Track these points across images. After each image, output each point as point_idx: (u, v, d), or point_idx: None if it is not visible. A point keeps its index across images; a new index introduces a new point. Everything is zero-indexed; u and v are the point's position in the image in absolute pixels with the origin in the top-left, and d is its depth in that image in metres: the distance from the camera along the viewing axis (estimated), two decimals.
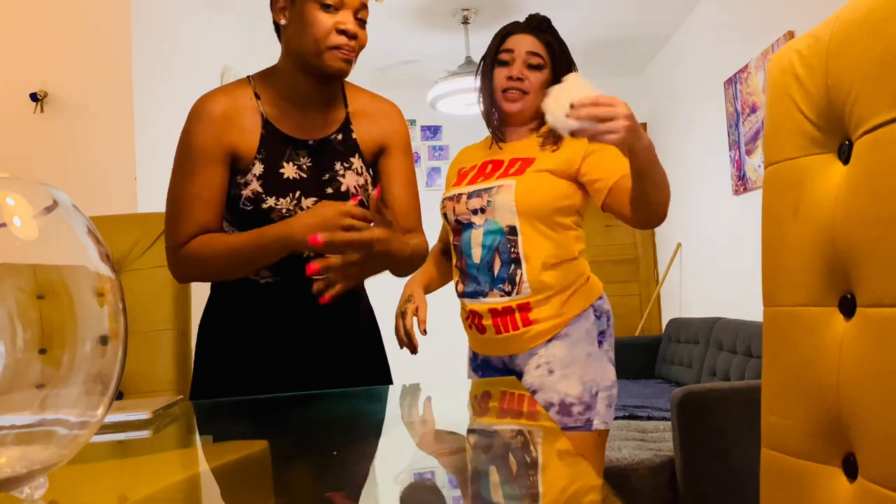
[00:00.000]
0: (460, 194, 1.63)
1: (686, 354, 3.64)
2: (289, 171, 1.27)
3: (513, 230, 1.54)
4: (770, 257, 0.77)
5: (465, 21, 3.91)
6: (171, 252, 1.25)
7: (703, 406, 2.19)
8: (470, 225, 1.60)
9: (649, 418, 2.97)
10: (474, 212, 1.59)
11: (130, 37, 2.61)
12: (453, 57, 4.13)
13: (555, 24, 1.75)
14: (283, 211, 1.25)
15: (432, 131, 5.23)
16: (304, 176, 1.27)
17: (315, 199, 1.27)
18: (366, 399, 1.20)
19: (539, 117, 1.70)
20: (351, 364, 1.35)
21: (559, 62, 1.64)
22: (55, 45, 2.57)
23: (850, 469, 0.65)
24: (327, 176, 1.29)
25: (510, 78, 1.62)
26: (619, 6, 3.92)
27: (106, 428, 0.88)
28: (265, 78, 1.31)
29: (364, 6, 1.24)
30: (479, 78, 1.74)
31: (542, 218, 1.54)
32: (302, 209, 1.25)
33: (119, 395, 1.17)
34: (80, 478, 0.65)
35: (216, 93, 1.29)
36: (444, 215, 1.67)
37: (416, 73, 4.71)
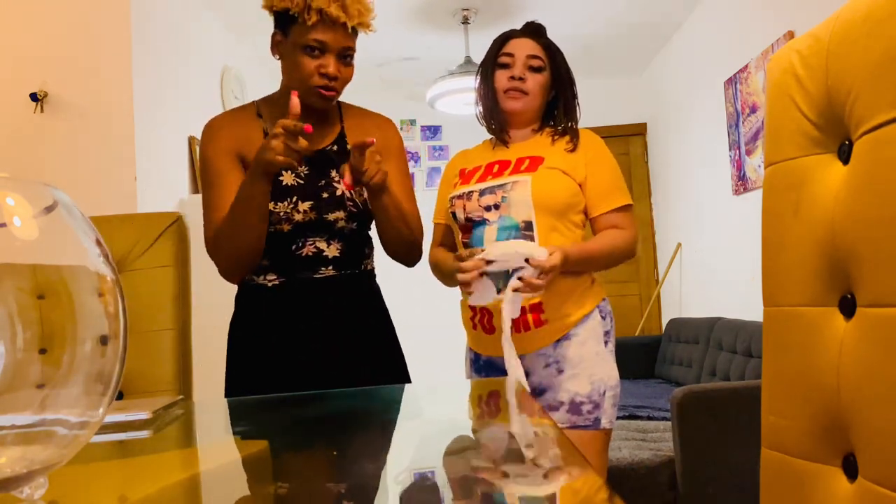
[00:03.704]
0: (471, 192, 1.63)
1: (686, 354, 3.64)
2: (287, 178, 1.37)
3: (529, 225, 1.55)
4: (770, 257, 0.77)
5: (465, 21, 3.90)
6: (210, 251, 1.37)
7: (703, 406, 2.19)
8: (483, 222, 1.60)
9: (649, 418, 2.97)
10: (487, 208, 1.59)
11: (130, 37, 2.61)
12: (453, 57, 4.13)
13: (555, 24, 1.79)
14: (281, 214, 1.34)
15: (432, 131, 5.23)
16: (301, 182, 1.37)
17: (311, 202, 1.36)
18: (366, 399, 1.20)
19: (540, 119, 1.72)
20: (366, 357, 1.43)
21: (558, 65, 1.69)
22: (55, 45, 2.57)
23: (850, 469, 0.65)
24: (323, 182, 1.39)
25: (512, 78, 1.65)
26: (619, 6, 3.92)
27: (106, 428, 0.87)
28: (268, 101, 1.45)
29: (348, 48, 1.34)
30: (479, 82, 1.75)
31: (557, 213, 1.57)
32: (298, 211, 1.35)
33: (119, 395, 1.17)
34: (80, 478, 0.65)
35: (223, 114, 1.46)
36: (453, 214, 1.66)
37: (416, 73, 4.70)
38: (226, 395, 1.42)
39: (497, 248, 1.49)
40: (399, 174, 1.49)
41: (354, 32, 1.36)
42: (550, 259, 1.43)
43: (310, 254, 1.37)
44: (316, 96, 1.34)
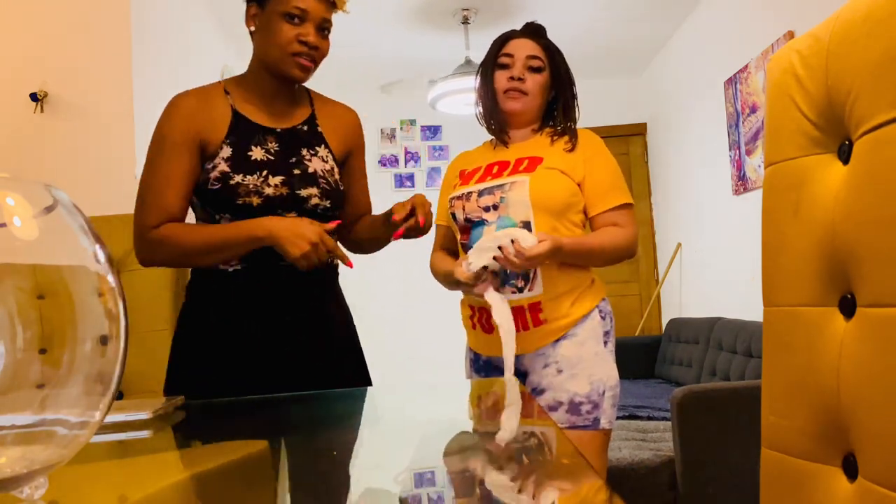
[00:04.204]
0: (470, 192, 1.63)
1: (686, 354, 3.64)
2: (256, 153, 1.33)
3: (527, 226, 1.56)
4: (770, 257, 0.77)
5: (465, 21, 3.90)
6: (138, 235, 1.30)
7: (703, 406, 2.19)
8: (481, 222, 1.60)
9: (649, 418, 2.97)
10: (486, 209, 1.60)
11: (130, 37, 2.61)
12: (453, 57, 4.13)
13: (555, 24, 1.79)
14: (251, 186, 1.29)
15: (432, 131, 5.23)
16: (272, 158, 1.34)
17: (282, 177, 1.32)
18: (366, 399, 1.20)
19: (539, 119, 1.72)
20: (326, 350, 1.37)
21: (557, 65, 1.68)
22: (55, 45, 2.57)
23: (850, 469, 0.65)
24: (294, 159, 1.36)
25: (511, 78, 1.65)
26: (619, 6, 3.92)
27: (106, 428, 0.87)
28: (236, 80, 1.42)
29: (327, 19, 1.34)
30: (479, 83, 1.75)
31: (555, 213, 1.56)
32: (269, 185, 1.30)
33: (119, 395, 1.17)
34: (80, 478, 0.65)
35: (188, 91, 1.39)
36: (453, 215, 1.67)
37: (416, 73, 4.70)
38: (168, 387, 1.33)
39: (489, 234, 1.52)
40: (363, 170, 1.53)
41: (332, 7, 1.35)
42: (534, 248, 1.44)
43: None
44: (295, 66, 1.32)
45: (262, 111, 1.38)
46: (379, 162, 5.13)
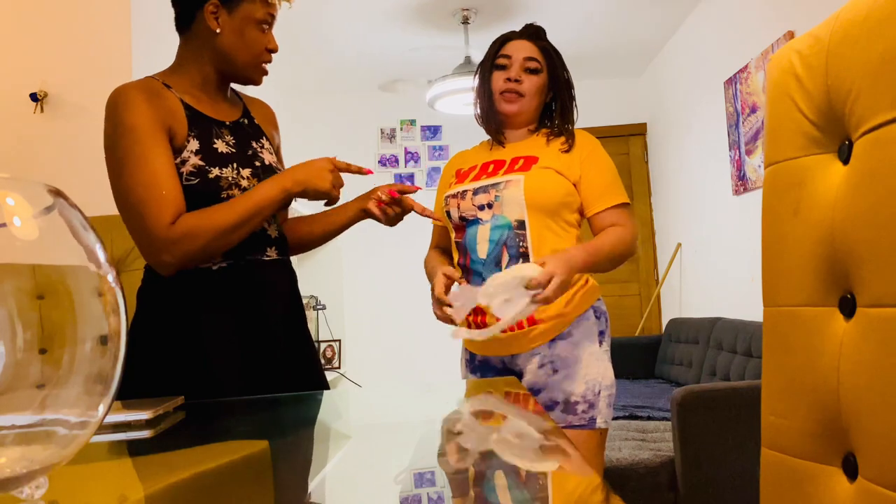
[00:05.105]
0: (465, 191, 1.64)
1: (686, 354, 3.64)
2: (220, 146, 1.31)
3: (521, 224, 1.56)
4: (770, 257, 0.77)
5: (465, 21, 3.90)
6: (157, 237, 1.18)
7: (703, 406, 2.19)
8: (476, 221, 1.60)
9: (649, 418, 2.97)
10: (481, 207, 1.60)
11: (130, 37, 2.61)
12: (453, 57, 4.13)
13: (555, 24, 1.79)
14: (230, 179, 1.28)
15: (432, 131, 5.23)
16: (234, 150, 1.33)
17: (250, 169, 1.32)
18: (365, 398, 1.20)
19: (536, 120, 1.72)
20: (301, 350, 1.37)
21: (555, 67, 1.68)
22: (55, 45, 2.57)
23: (850, 469, 0.65)
24: (251, 151, 1.36)
25: (508, 80, 1.65)
26: (619, 6, 3.92)
27: (106, 428, 0.88)
28: (167, 74, 1.37)
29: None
30: (476, 83, 1.75)
31: (550, 212, 1.56)
32: (243, 178, 1.30)
33: (119, 396, 1.16)
34: (80, 478, 0.65)
35: (130, 83, 1.29)
36: (448, 213, 1.67)
37: (416, 73, 4.70)
38: (131, 391, 1.14)
39: (495, 281, 1.43)
40: (283, 165, 1.51)
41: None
42: (550, 281, 1.39)
43: (255, 231, 1.29)
44: (262, 72, 1.37)
45: (207, 105, 1.35)
46: (379, 162, 5.13)
